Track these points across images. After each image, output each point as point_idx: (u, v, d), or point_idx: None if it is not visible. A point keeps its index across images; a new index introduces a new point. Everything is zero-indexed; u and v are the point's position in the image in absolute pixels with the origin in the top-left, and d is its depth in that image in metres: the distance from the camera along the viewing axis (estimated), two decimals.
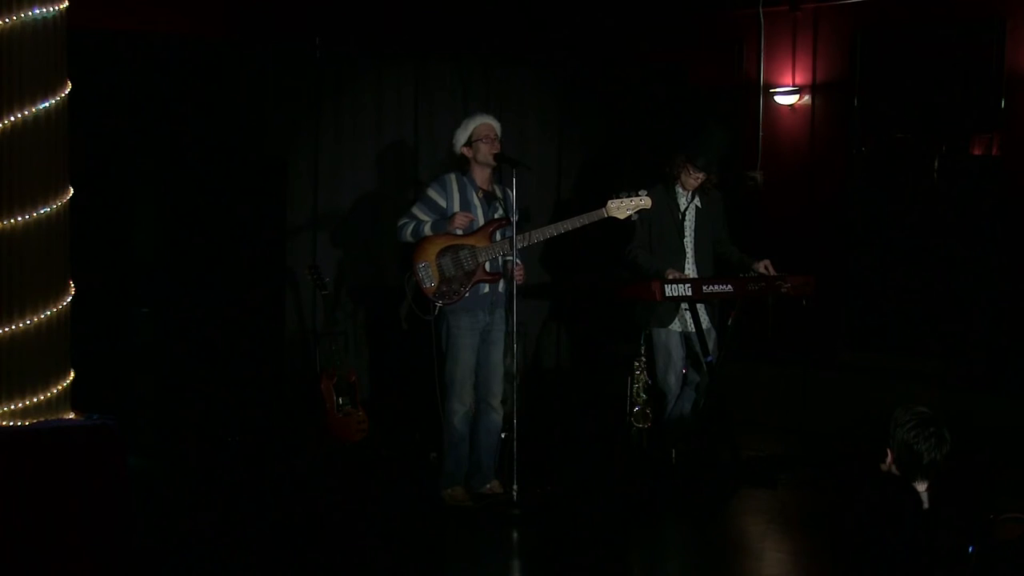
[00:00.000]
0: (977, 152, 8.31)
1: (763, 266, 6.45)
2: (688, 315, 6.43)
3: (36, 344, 4.50)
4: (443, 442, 6.02)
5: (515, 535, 5.67)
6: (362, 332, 7.76)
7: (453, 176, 6.02)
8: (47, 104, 4.46)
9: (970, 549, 3.71)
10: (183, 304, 7.39)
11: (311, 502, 6.13)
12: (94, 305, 5.67)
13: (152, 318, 7.33)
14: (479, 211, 5.98)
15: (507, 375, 6.07)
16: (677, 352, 6.51)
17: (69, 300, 4.64)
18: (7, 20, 4.36)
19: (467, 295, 5.86)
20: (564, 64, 8.56)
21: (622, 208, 5.93)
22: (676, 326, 6.50)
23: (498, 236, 5.93)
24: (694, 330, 6.39)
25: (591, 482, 6.48)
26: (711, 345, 6.44)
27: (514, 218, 5.84)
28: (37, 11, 4.41)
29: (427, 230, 5.88)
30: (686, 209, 6.55)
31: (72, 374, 4.69)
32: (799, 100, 8.90)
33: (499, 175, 6.20)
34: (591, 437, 7.41)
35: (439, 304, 5.84)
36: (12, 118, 4.39)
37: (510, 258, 5.87)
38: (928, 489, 3.74)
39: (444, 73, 8.02)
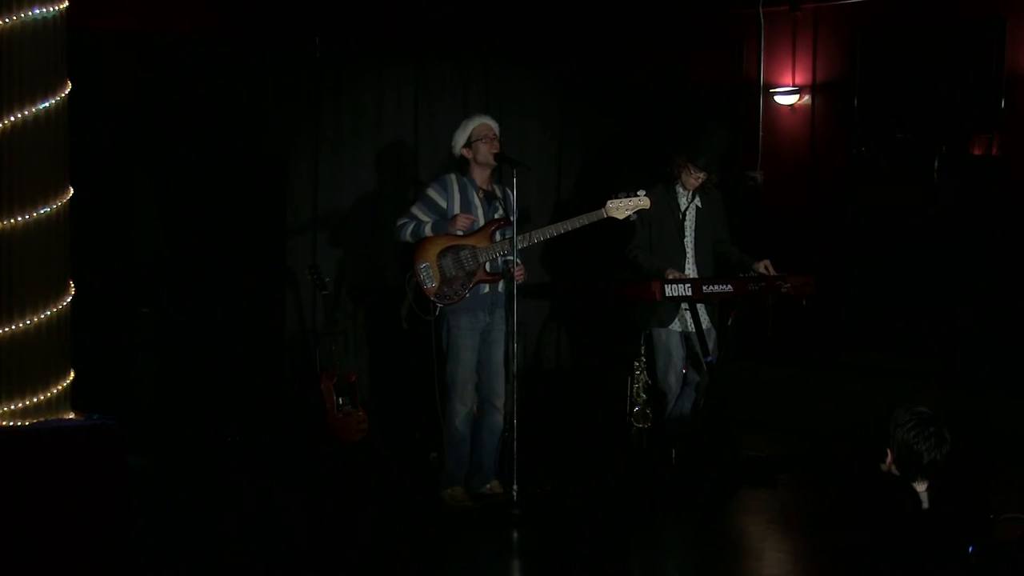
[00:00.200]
0: (977, 152, 8.32)
1: (763, 266, 6.45)
2: (688, 315, 6.43)
3: (36, 344, 4.51)
4: (443, 442, 6.01)
5: (515, 535, 5.67)
6: (362, 332, 7.77)
7: (453, 176, 6.02)
8: (47, 104, 4.46)
9: (970, 549, 3.71)
10: (183, 304, 7.39)
11: (311, 502, 6.13)
12: (94, 305, 5.67)
13: (152, 318, 7.34)
14: (479, 211, 5.98)
15: (507, 375, 6.07)
16: (677, 352, 6.51)
17: (69, 300, 4.64)
18: (7, 20, 4.36)
19: (467, 296, 5.86)
20: (564, 64, 8.56)
21: (621, 208, 5.93)
22: (676, 326, 6.50)
23: (498, 236, 5.93)
24: (694, 330, 6.39)
25: (591, 482, 6.48)
26: (711, 345, 6.44)
27: (514, 217, 5.84)
28: (37, 11, 4.41)
29: (427, 231, 5.87)
30: (686, 209, 6.55)
31: (72, 374, 4.69)
32: (799, 100, 8.91)
33: (499, 175, 6.20)
34: (591, 437, 7.41)
35: (440, 305, 5.84)
36: (12, 118, 4.39)
37: (510, 258, 5.87)
38: (928, 489, 3.74)
39: (444, 73, 8.03)
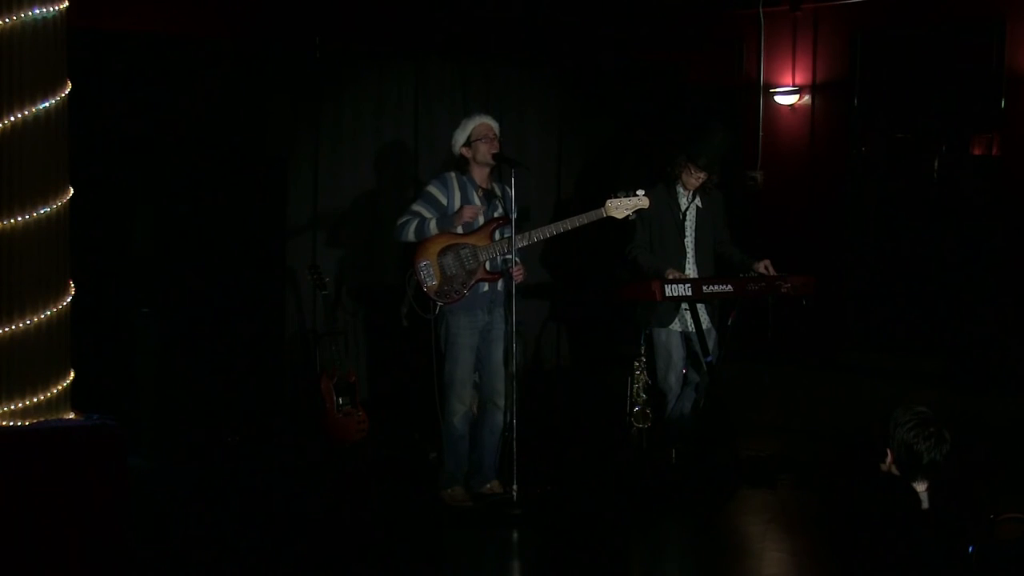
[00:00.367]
0: (977, 152, 8.33)
1: (763, 266, 6.45)
2: (688, 315, 6.43)
3: (36, 344, 4.50)
4: (443, 442, 6.01)
5: (515, 535, 5.67)
6: (362, 332, 7.76)
7: (453, 174, 6.02)
8: (47, 104, 4.46)
9: (970, 549, 3.71)
10: (183, 304, 7.39)
11: (311, 502, 6.13)
12: (94, 305, 5.66)
13: (152, 318, 7.33)
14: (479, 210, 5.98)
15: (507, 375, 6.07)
16: (677, 352, 6.51)
17: (69, 300, 4.64)
18: (7, 20, 4.36)
19: (467, 294, 5.86)
20: (564, 64, 8.55)
21: (620, 208, 5.93)
22: (676, 326, 6.49)
23: (498, 235, 5.93)
24: (694, 330, 6.39)
25: (591, 482, 6.48)
26: (711, 345, 6.44)
27: (513, 215, 5.84)
28: (37, 11, 4.41)
29: (432, 227, 5.85)
30: (687, 209, 6.55)
31: (72, 374, 4.69)
32: (799, 100, 8.91)
33: (498, 174, 6.20)
34: (591, 437, 7.40)
35: (440, 303, 5.84)
36: (12, 118, 4.39)
37: (509, 256, 5.87)
38: (928, 489, 3.74)
39: (444, 73, 8.02)
